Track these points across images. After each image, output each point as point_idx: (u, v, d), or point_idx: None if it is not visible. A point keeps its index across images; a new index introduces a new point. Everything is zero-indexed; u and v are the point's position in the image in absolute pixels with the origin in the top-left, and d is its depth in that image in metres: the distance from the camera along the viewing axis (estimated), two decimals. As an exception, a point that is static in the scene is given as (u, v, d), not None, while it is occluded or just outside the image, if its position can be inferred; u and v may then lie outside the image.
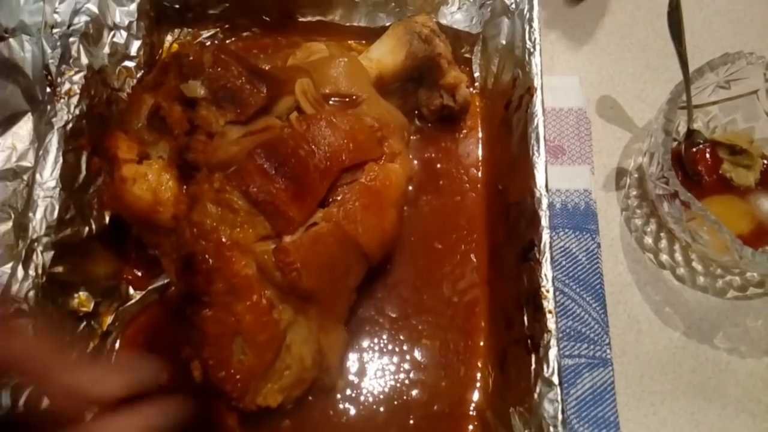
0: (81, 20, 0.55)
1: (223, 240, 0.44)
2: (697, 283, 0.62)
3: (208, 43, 0.67)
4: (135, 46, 0.62)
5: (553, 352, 0.46)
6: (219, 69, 0.48)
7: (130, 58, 0.62)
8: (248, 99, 0.47)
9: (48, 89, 0.54)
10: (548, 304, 0.47)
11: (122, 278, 0.56)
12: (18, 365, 0.36)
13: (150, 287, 0.55)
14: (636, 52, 0.73)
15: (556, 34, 0.74)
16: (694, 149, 0.64)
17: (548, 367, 0.46)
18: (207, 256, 0.44)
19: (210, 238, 0.45)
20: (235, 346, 0.46)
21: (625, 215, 0.65)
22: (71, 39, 0.54)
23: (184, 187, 0.48)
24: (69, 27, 0.55)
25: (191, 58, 0.48)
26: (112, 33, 0.60)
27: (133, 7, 0.60)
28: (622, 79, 0.72)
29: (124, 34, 0.60)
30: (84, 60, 0.55)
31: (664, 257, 0.63)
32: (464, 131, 0.65)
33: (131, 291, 0.55)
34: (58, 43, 0.54)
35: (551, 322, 0.47)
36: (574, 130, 0.67)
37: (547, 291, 0.48)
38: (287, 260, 0.44)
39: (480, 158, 0.64)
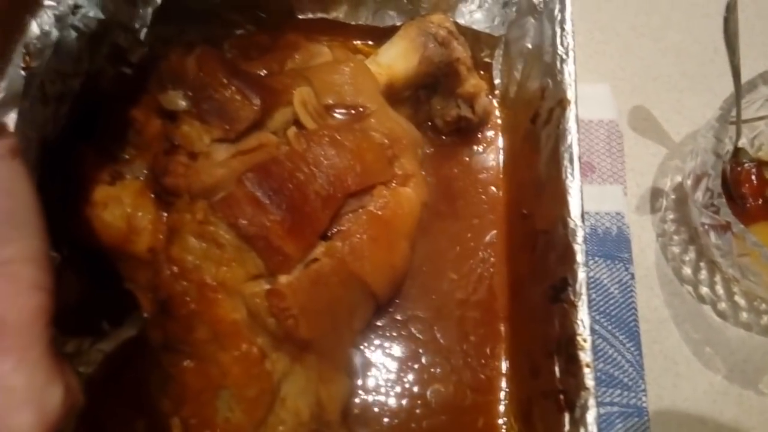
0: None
1: (207, 280, 0.38)
2: (740, 320, 0.56)
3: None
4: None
5: (591, 414, 0.39)
6: (204, 77, 0.41)
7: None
8: (238, 112, 0.40)
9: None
10: (585, 356, 0.41)
11: (95, 311, 0.49)
12: None
13: (127, 322, 0.49)
14: (671, 57, 0.67)
15: (584, 37, 0.67)
16: (739, 169, 0.57)
17: (585, 431, 0.39)
18: (187, 298, 0.38)
19: (191, 277, 0.38)
20: (219, 401, 0.39)
21: (661, 241, 0.58)
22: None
23: (164, 214, 0.41)
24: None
25: (171, 63, 0.41)
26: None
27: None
28: (656, 88, 0.65)
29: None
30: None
31: (704, 290, 0.56)
32: (483, 145, 0.58)
33: (105, 326, 0.49)
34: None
35: (589, 379, 0.40)
36: (605, 145, 0.60)
37: (584, 340, 0.41)
38: (282, 305, 0.38)
39: (501, 176, 0.57)
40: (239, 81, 0.41)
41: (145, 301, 0.43)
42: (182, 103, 0.40)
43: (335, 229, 0.41)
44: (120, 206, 0.41)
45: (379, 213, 0.42)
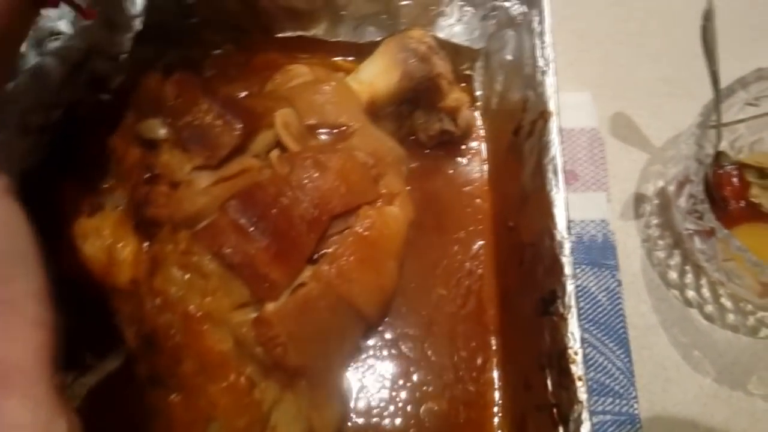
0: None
1: (192, 311, 0.37)
2: (727, 322, 0.56)
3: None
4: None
5: (585, 428, 0.39)
6: (183, 103, 0.40)
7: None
8: (220, 138, 0.40)
9: None
10: (577, 370, 0.41)
11: (77, 343, 0.48)
12: None
13: (111, 353, 0.47)
14: (649, 63, 0.67)
15: (563, 45, 0.67)
16: (720, 172, 0.58)
17: (580, 445, 0.39)
18: (172, 331, 0.37)
19: (175, 309, 0.37)
20: (209, 433, 0.39)
21: (646, 247, 0.59)
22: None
23: (146, 243, 0.40)
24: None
25: (149, 89, 0.40)
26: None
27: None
28: (636, 94, 0.65)
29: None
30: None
31: (691, 293, 0.57)
32: (467, 157, 0.58)
33: (88, 358, 0.48)
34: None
35: (582, 392, 0.40)
36: (587, 153, 0.60)
37: (575, 353, 0.41)
38: (270, 334, 0.37)
39: (485, 187, 0.57)
40: (219, 105, 0.41)
41: (130, 335, 0.42)
42: (161, 131, 0.39)
43: (321, 252, 0.41)
44: (100, 238, 0.41)
45: (366, 234, 0.42)
